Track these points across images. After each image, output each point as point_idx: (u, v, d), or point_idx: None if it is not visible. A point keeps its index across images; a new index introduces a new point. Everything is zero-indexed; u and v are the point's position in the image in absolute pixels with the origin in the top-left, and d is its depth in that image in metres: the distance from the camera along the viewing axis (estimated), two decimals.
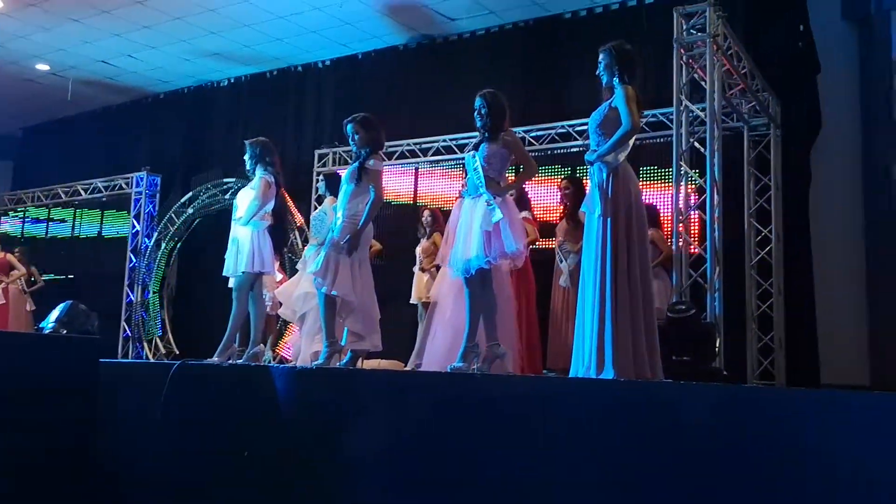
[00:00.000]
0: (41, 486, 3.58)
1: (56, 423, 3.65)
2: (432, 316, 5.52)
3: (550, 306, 6.00)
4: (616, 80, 3.99)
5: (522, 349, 5.68)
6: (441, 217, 7.20)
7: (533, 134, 7.70)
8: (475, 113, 4.43)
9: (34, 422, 3.57)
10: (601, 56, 4.06)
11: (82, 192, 10.92)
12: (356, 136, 4.84)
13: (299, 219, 8.87)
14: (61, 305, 4.94)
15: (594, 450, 3.06)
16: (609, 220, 3.81)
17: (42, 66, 10.25)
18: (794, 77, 6.94)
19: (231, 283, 5.55)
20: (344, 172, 5.01)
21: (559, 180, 6.49)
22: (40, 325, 4.86)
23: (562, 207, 6.20)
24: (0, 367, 3.51)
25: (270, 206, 5.67)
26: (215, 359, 5.43)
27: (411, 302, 7.08)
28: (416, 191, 8.62)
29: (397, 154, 8.41)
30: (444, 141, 8.30)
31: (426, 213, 7.27)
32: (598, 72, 4.11)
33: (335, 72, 9.80)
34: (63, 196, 11.12)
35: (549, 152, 7.63)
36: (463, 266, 4.20)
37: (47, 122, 12.44)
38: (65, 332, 4.63)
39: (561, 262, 5.97)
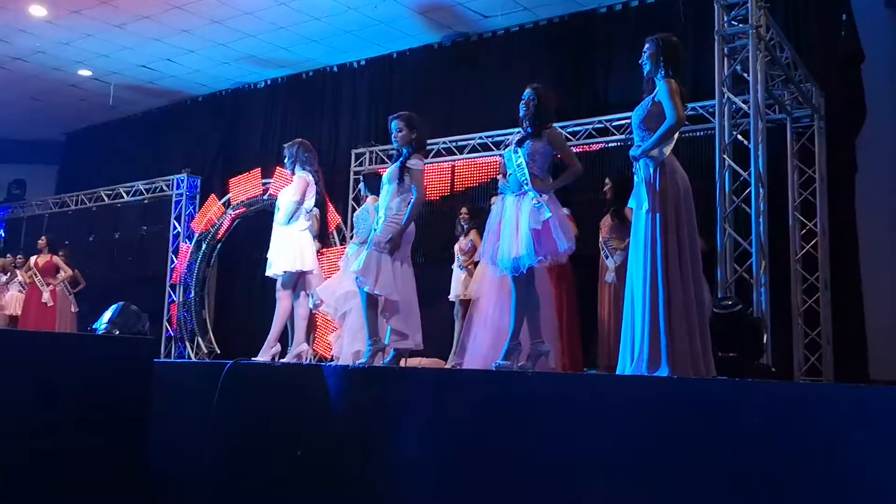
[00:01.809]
0: (97, 485, 3.66)
1: (111, 423, 3.72)
2: (472, 314, 5.54)
3: (598, 303, 5.98)
4: (660, 73, 3.96)
5: (564, 346, 5.68)
6: (478, 214, 7.21)
7: (570, 129, 7.65)
8: (522, 104, 4.42)
9: (90, 422, 3.65)
10: (647, 45, 4.04)
11: (124, 195, 11.13)
12: (400, 133, 4.85)
13: (337, 218, 8.93)
14: (113, 306, 5.05)
15: (648, 448, 3.05)
16: (658, 214, 3.77)
17: (84, 72, 10.46)
18: (838, 66, 6.81)
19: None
20: (384, 171, 5.04)
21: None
22: (93, 326, 4.97)
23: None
24: (58, 368, 3.60)
25: (311, 203, 5.73)
26: (261, 357, 5.51)
27: (450, 299, 7.10)
28: (452, 188, 8.63)
29: (434, 152, 8.42)
30: (481, 138, 8.30)
31: (463, 210, 7.28)
32: (641, 60, 4.08)
33: (370, 71, 9.86)
34: (106, 199, 11.34)
35: (586, 148, 7.58)
36: (512, 264, 4.20)
37: (90, 126, 12.69)
38: (117, 332, 4.73)
39: (607, 258, 5.94)
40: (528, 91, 4.43)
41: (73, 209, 11.82)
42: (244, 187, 9.79)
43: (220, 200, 10.07)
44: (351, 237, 7.31)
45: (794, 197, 6.59)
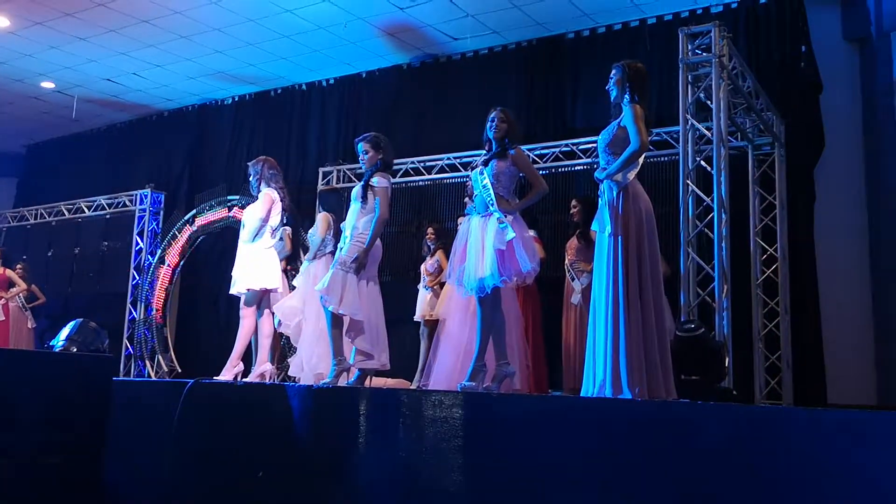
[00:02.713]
0: None
1: (68, 443, 3.63)
2: (439, 334, 5.53)
3: (563, 324, 6.01)
4: (626, 98, 4.02)
5: (529, 367, 5.70)
6: (445, 235, 7.23)
7: (537, 152, 7.74)
8: (489, 123, 4.46)
9: (46, 441, 3.56)
10: (613, 71, 4.11)
11: (86, 210, 10.94)
12: (367, 155, 4.86)
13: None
14: (71, 323, 4.93)
15: (611, 470, 3.06)
16: (620, 238, 3.82)
17: (47, 84, 10.30)
18: (797, 96, 7.00)
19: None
20: (347, 189, 5.05)
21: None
22: (51, 343, 4.85)
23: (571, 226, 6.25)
24: (13, 386, 3.50)
25: (276, 221, 5.70)
26: (223, 376, 5.43)
27: (415, 319, 7.08)
28: (419, 209, 8.64)
29: (401, 172, 8.44)
30: (448, 159, 8.34)
31: (430, 230, 7.29)
32: (607, 86, 4.15)
33: (339, 90, 9.86)
34: (67, 213, 11.13)
35: (553, 171, 7.65)
36: (477, 285, 4.21)
37: (52, 139, 12.48)
38: (75, 350, 4.62)
39: (573, 280, 5.99)
40: (494, 112, 4.48)
41: (31, 223, 11.58)
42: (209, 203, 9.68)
43: (184, 216, 9.96)
44: None
45: (755, 222, 6.72)
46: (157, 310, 9.96)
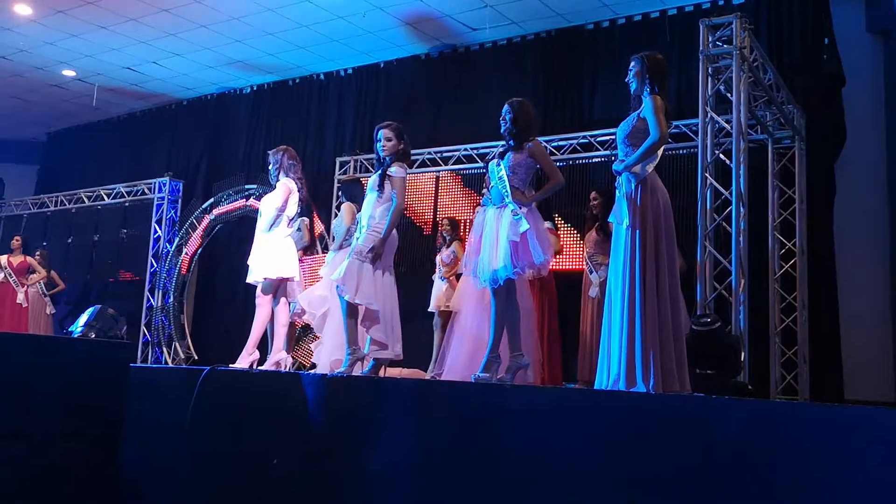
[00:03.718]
0: (68, 491, 3.60)
1: (85, 428, 3.68)
2: (453, 325, 5.54)
3: (580, 317, 6.00)
4: (646, 90, 3.99)
5: (544, 359, 5.70)
6: (460, 226, 7.23)
7: (555, 144, 7.71)
8: (501, 119, 4.44)
9: (63, 426, 3.60)
10: (633, 63, 4.07)
11: (105, 197, 11.03)
12: (389, 143, 4.84)
13: (320, 226, 8.91)
14: (90, 310, 4.99)
15: (623, 463, 3.05)
16: (637, 231, 3.80)
17: (69, 72, 10.39)
18: (819, 89, 6.91)
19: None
20: (366, 179, 5.05)
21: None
22: (70, 329, 4.90)
23: (590, 218, 6.23)
24: (32, 371, 3.54)
25: (293, 211, 5.71)
26: (239, 364, 5.47)
27: (430, 310, 7.09)
28: (436, 199, 8.64)
29: (418, 162, 8.44)
30: (465, 150, 8.32)
31: (445, 221, 7.30)
32: (627, 79, 4.12)
33: (357, 80, 9.87)
34: (86, 201, 11.24)
35: (570, 162, 7.62)
36: (490, 276, 4.21)
37: (72, 127, 12.60)
38: (94, 336, 4.67)
39: (591, 272, 5.97)
40: (506, 106, 4.45)
41: (52, 210, 11.71)
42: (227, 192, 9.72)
43: (202, 205, 10.02)
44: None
45: (774, 217, 6.66)
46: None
